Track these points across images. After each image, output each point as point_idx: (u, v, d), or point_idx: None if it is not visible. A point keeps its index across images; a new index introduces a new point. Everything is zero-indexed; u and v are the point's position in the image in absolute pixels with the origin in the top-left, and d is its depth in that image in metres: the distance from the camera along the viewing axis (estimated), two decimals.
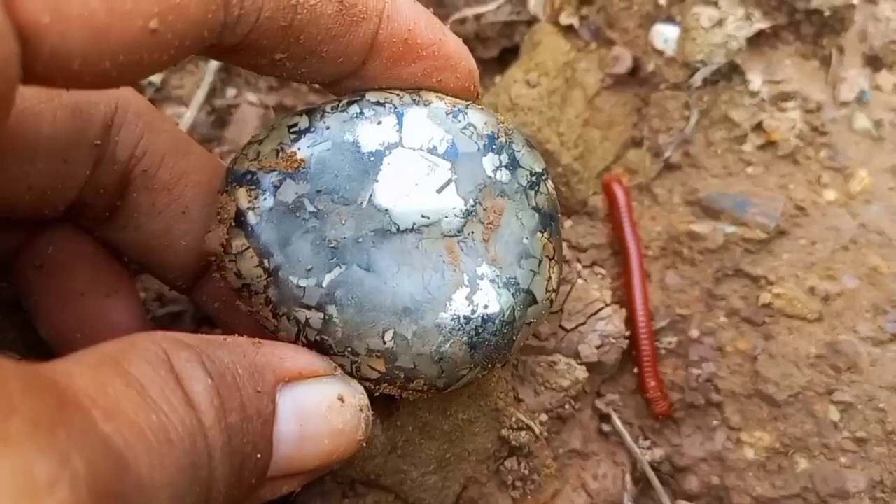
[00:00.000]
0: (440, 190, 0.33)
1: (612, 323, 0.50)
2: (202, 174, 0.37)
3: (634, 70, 0.56)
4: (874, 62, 0.59)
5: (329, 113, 0.34)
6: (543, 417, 0.48)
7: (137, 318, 0.39)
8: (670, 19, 0.55)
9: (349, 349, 0.32)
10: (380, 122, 0.33)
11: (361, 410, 0.32)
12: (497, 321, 0.33)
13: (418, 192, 0.33)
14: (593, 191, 0.55)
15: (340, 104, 0.34)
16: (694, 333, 0.51)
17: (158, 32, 0.24)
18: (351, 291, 0.31)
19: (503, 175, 0.34)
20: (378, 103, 0.34)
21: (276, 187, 0.32)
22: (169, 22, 0.24)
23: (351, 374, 0.33)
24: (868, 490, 0.47)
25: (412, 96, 0.35)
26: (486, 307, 0.33)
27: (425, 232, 0.32)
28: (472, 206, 0.33)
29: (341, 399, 0.31)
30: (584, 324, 0.50)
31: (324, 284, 0.31)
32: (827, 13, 0.55)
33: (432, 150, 0.33)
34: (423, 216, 0.32)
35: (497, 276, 0.33)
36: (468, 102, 0.36)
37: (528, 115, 0.53)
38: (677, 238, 0.53)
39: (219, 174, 0.36)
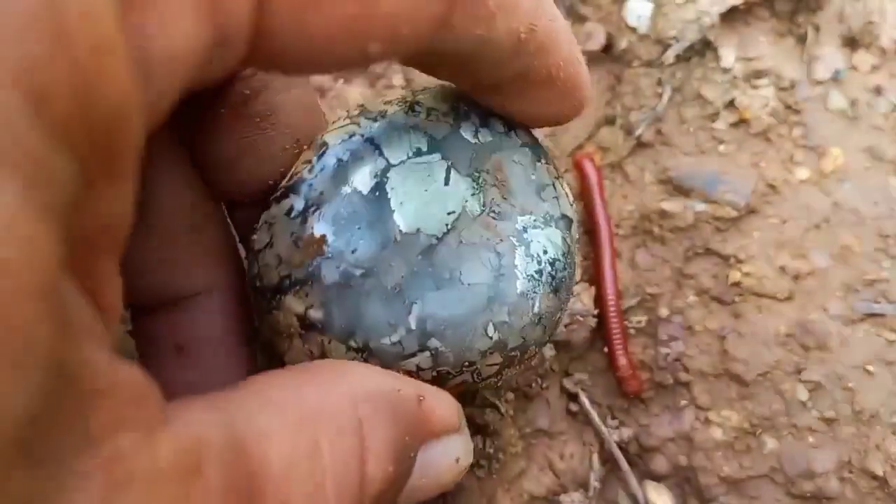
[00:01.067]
0: (447, 182, 0.33)
1: (580, 301, 0.50)
2: (293, 116, 0.34)
3: (608, 47, 0.55)
4: (851, 42, 0.58)
5: (311, 177, 0.33)
6: (510, 396, 0.48)
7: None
8: None
9: (465, 364, 0.32)
10: (361, 158, 0.33)
11: (464, 469, 0.32)
12: (561, 256, 0.33)
13: (431, 197, 0.33)
14: (565, 168, 0.54)
15: (313, 163, 0.34)
16: (663, 312, 0.51)
17: (374, 55, 0.24)
18: (438, 317, 0.31)
19: (484, 135, 0.34)
20: (344, 141, 0.34)
21: (318, 276, 0.32)
22: (388, 50, 0.24)
23: (474, 381, 0.33)
24: (836, 470, 0.46)
25: (364, 115, 0.35)
26: (545, 251, 0.33)
27: (458, 226, 0.32)
28: (477, 176, 0.33)
29: (458, 460, 0.32)
30: None
31: (413, 327, 0.31)
32: None
33: (417, 153, 0.33)
34: (448, 213, 0.32)
35: (534, 220, 0.33)
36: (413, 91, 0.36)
37: None
38: (648, 216, 0.52)
39: (314, 118, 0.35)
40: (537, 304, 0.32)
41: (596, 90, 0.56)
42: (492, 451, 0.47)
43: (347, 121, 0.34)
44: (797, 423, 0.47)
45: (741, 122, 0.53)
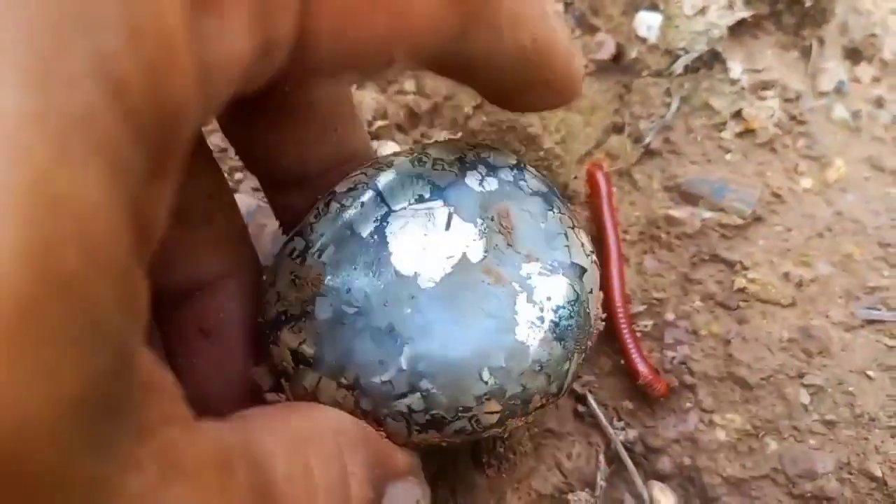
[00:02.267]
0: (448, 227, 0.33)
1: None
2: (328, 106, 0.36)
3: (617, 56, 0.57)
4: (853, 55, 0.60)
5: (315, 222, 0.34)
6: None
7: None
8: (654, 7, 0.56)
9: (460, 409, 0.32)
10: (362, 204, 0.34)
11: None
12: (565, 303, 0.33)
13: (431, 242, 0.33)
14: (574, 175, 0.56)
15: (319, 209, 0.35)
16: (669, 317, 0.52)
17: (399, 63, 0.26)
18: (430, 358, 0.31)
19: (490, 183, 0.35)
20: (351, 189, 0.35)
21: (313, 312, 0.32)
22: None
23: (474, 431, 0.33)
24: (835, 471, 0.48)
25: (374, 166, 0.36)
26: (549, 298, 0.33)
27: (458, 271, 0.32)
28: (482, 223, 0.34)
29: (418, 503, 0.33)
30: None
31: (404, 367, 0.31)
32: (808, 4, 0.56)
33: (420, 199, 0.34)
34: (448, 258, 0.33)
35: (541, 267, 0.33)
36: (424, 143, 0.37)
37: None
38: (655, 223, 0.53)
39: (347, 106, 0.37)
40: (539, 351, 0.32)
41: (605, 99, 0.58)
42: (502, 450, 0.48)
43: (359, 171, 0.35)
44: (798, 425, 0.49)
45: (747, 133, 0.54)
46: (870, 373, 0.49)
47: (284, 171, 0.37)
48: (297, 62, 0.24)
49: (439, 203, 0.33)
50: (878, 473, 0.47)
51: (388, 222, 0.33)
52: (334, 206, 0.34)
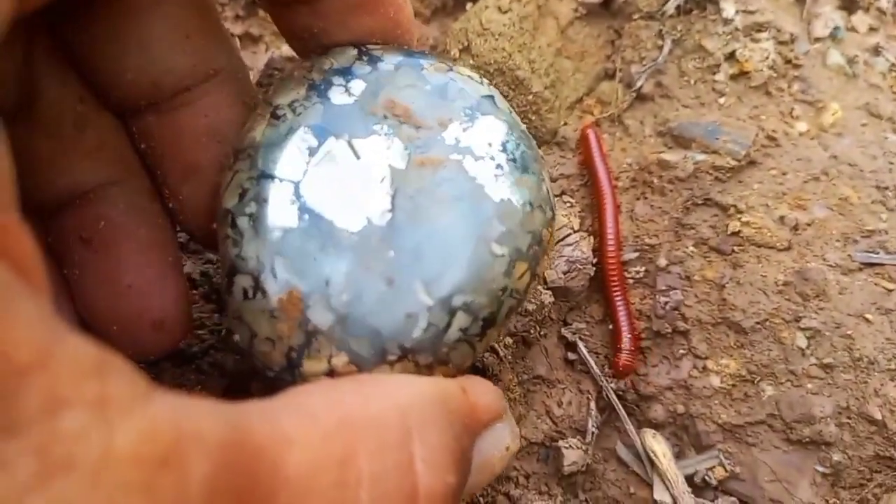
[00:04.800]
0: (357, 155, 0.31)
1: (579, 249, 0.50)
2: (180, 8, 0.32)
3: (607, 1, 0.55)
4: (849, 4, 0.58)
5: (237, 250, 0.30)
6: (508, 341, 0.47)
7: (183, 313, 0.35)
8: None
9: (500, 292, 0.30)
10: (265, 196, 0.31)
11: (514, 454, 0.31)
12: (507, 135, 0.31)
13: (353, 180, 0.30)
14: (564, 121, 0.54)
15: (233, 238, 0.31)
16: (662, 262, 0.51)
17: None
18: (444, 275, 0.29)
19: (356, 87, 0.32)
20: (242, 191, 0.31)
21: (316, 328, 0.29)
22: None
23: (519, 303, 0.31)
24: (834, 415, 0.46)
25: (240, 160, 0.32)
26: (490, 144, 0.31)
27: (399, 186, 0.30)
28: (380, 126, 0.31)
29: (507, 448, 0.30)
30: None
31: (431, 302, 0.29)
32: None
33: (312, 152, 0.31)
34: (381, 181, 0.30)
35: (458, 125, 0.31)
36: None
37: (498, 40, 0.52)
38: (647, 168, 0.52)
39: (203, 6, 0.33)
40: (519, 194, 0.30)
41: (595, 44, 0.56)
42: None
43: (230, 173, 0.32)
44: (795, 369, 0.47)
45: (741, 75, 0.53)
46: (868, 316, 0.48)
47: (133, 87, 0.32)
48: None
49: (332, 141, 0.31)
50: (878, 416, 0.45)
51: (301, 194, 0.30)
52: (242, 221, 0.30)
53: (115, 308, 0.34)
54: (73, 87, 0.33)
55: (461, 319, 0.29)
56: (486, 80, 0.34)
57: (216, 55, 0.33)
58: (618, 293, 0.50)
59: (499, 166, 0.31)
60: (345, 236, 0.29)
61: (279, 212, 0.29)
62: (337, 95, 0.31)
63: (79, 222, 0.34)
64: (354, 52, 0.33)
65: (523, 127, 0.33)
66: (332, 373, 0.29)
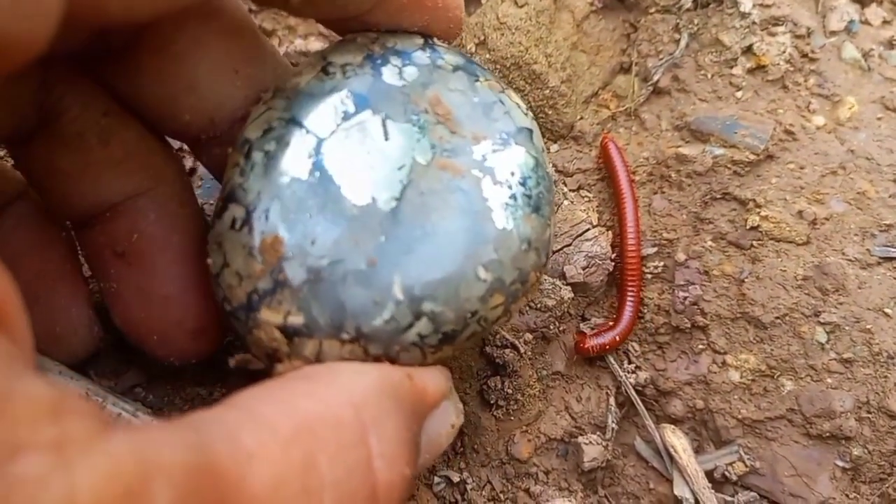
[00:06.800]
0: (386, 136, 0.30)
1: (598, 244, 0.49)
2: (223, 43, 0.32)
3: None
4: None
5: (244, 180, 0.31)
6: (528, 337, 0.47)
7: (215, 322, 0.35)
8: None
9: (468, 315, 0.30)
10: (288, 143, 0.30)
11: (458, 428, 0.32)
12: (530, 172, 0.31)
13: (375, 158, 0.30)
14: (580, 115, 0.54)
15: (241, 164, 0.31)
16: (680, 257, 0.50)
17: None
18: (423, 279, 0.29)
19: (409, 73, 0.32)
20: (267, 131, 0.31)
21: (286, 280, 0.29)
22: None
23: (483, 330, 0.31)
24: (854, 410, 0.46)
25: (278, 96, 0.32)
26: (512, 173, 0.31)
27: (414, 178, 0.30)
28: (417, 119, 0.31)
29: (453, 425, 0.31)
30: (569, 245, 0.49)
31: (401, 298, 0.29)
32: None
33: (346, 116, 0.31)
34: (399, 169, 0.30)
35: (492, 144, 0.31)
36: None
37: (514, 34, 0.52)
38: (665, 162, 0.52)
39: (249, 39, 0.33)
40: (522, 230, 0.30)
41: (611, 38, 0.56)
42: (510, 391, 0.46)
43: (264, 107, 0.31)
44: (815, 364, 0.47)
45: (758, 69, 0.52)
46: (887, 310, 0.48)
47: (191, 126, 0.33)
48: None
49: (368, 114, 0.30)
50: None
51: (322, 154, 0.30)
52: (257, 155, 0.30)
53: (154, 318, 0.34)
54: (97, 101, 0.33)
55: (423, 325, 0.29)
56: (531, 114, 0.34)
57: (266, 79, 0.33)
58: (632, 291, 0.49)
59: (513, 197, 0.31)
60: (347, 206, 0.29)
61: (295, 159, 0.30)
62: (389, 74, 0.31)
63: (112, 236, 0.34)
64: (421, 41, 0.33)
65: (550, 169, 0.33)
66: (283, 329, 0.29)
